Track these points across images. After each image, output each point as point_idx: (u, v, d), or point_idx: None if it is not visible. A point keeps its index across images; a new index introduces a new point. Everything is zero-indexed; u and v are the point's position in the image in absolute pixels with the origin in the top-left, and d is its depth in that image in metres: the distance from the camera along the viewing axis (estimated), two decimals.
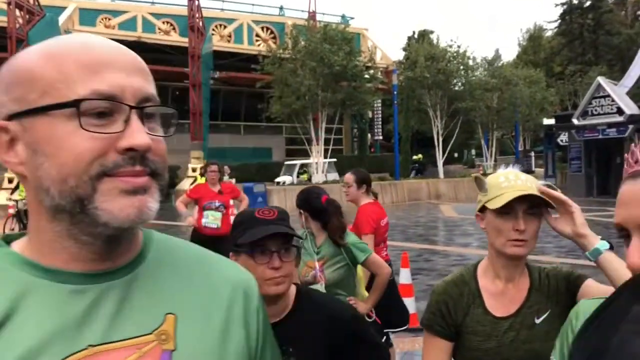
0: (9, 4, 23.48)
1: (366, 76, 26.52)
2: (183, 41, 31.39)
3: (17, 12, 23.65)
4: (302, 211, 3.19)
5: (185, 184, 27.81)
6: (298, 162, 29.15)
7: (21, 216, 14.17)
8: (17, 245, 0.75)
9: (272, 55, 25.46)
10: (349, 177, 4.33)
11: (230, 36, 37.04)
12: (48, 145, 0.68)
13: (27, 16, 24.22)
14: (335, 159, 29.08)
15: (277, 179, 27.67)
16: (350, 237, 3.25)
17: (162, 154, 0.73)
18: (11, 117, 0.70)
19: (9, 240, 0.77)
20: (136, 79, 0.72)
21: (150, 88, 0.74)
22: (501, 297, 1.66)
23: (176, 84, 32.88)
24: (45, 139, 0.68)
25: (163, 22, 34.66)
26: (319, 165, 26.09)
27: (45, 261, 0.71)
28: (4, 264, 0.71)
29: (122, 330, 0.71)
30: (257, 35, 38.12)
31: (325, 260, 3.13)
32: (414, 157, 35.65)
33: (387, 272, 3.34)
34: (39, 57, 0.71)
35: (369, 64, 26.85)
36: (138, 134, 0.69)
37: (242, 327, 0.81)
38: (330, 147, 26.80)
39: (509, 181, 1.63)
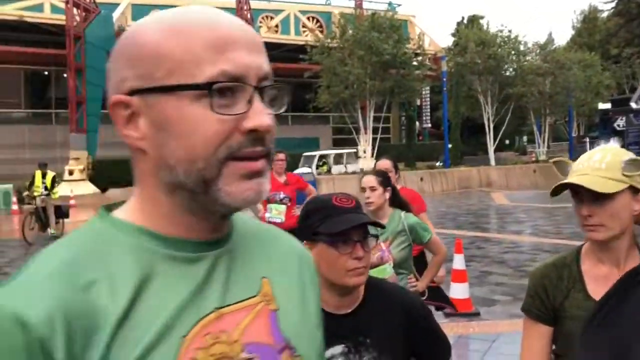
0: (66, 2, 24.38)
1: (414, 63, 26.28)
2: None
3: (75, 10, 24.52)
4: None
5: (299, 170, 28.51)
6: (317, 153, 28.17)
7: (39, 213, 13.26)
8: (124, 215, 0.74)
9: (320, 45, 25.54)
10: (373, 180, 3.28)
11: (277, 27, 37.29)
12: (176, 125, 0.68)
13: (84, 14, 25.07)
14: (355, 149, 28.27)
15: (296, 171, 27.55)
16: (413, 217, 3.31)
17: (274, 133, 0.73)
18: (133, 93, 0.70)
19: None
20: (257, 57, 0.72)
21: (267, 65, 0.73)
22: (604, 281, 1.55)
23: None
24: (172, 118, 0.68)
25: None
26: (367, 153, 26.06)
27: (164, 231, 0.72)
28: (127, 236, 0.71)
29: (235, 293, 0.74)
30: (304, 26, 38.22)
31: (391, 241, 3.18)
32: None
33: (445, 252, 3.42)
34: (165, 33, 0.69)
35: (418, 51, 26.59)
36: (262, 115, 0.70)
37: (313, 291, 0.87)
38: (379, 135, 26.74)
39: (578, 164, 1.57)
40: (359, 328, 1.54)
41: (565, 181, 1.55)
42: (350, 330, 1.54)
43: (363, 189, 3.28)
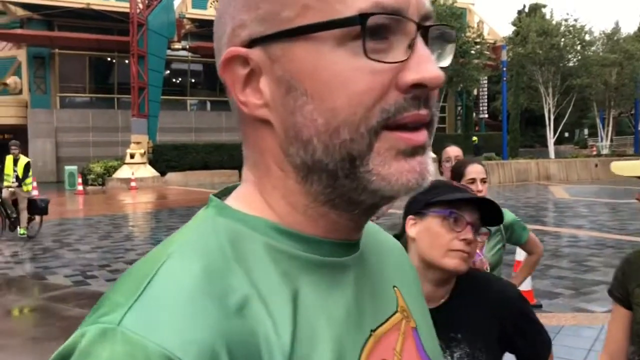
0: None
1: (473, 52, 25.78)
2: None
3: None
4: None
5: None
6: None
7: (5, 207, 10.96)
8: (245, 207, 0.56)
9: None
10: (483, 170, 3.06)
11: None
12: (312, 81, 0.50)
13: (147, 1, 25.74)
14: None
15: None
16: (509, 214, 2.92)
17: (438, 94, 0.55)
18: (253, 43, 0.52)
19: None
20: None
21: (429, 2, 0.55)
22: None
23: None
24: (307, 72, 0.50)
25: None
26: None
27: (303, 229, 0.55)
28: (262, 237, 0.54)
29: (380, 309, 0.60)
30: None
31: (484, 243, 2.78)
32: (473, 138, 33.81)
33: (542, 250, 3.13)
34: None
35: (477, 40, 26.07)
36: (429, 64, 0.51)
37: (419, 287, 0.75)
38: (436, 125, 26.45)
39: None
40: (450, 323, 1.43)
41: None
42: (440, 325, 1.42)
43: (458, 177, 2.82)
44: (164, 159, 26.51)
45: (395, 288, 0.65)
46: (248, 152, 0.58)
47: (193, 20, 31.03)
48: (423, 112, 0.52)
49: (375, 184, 0.52)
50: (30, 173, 11.15)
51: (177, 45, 29.89)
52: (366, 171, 0.51)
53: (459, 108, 40.52)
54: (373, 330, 0.57)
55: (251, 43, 0.52)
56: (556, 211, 15.09)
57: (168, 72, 30.07)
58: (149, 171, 24.99)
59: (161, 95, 27.69)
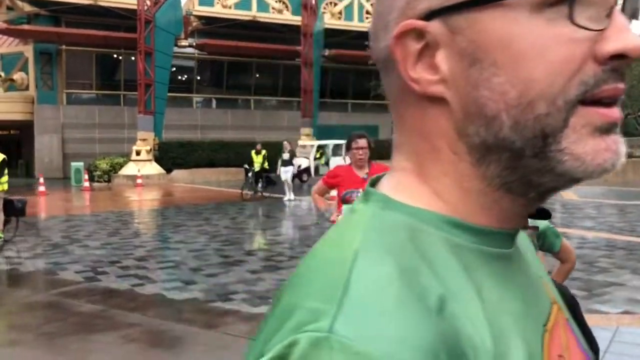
0: None
1: None
2: (295, 20, 31.97)
3: None
4: None
5: (296, 161, 28.66)
6: (315, 142, 26.52)
7: None
8: (410, 199, 0.52)
9: None
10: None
11: (340, 13, 37.17)
12: (503, 51, 0.46)
13: None
14: (345, 141, 26.63)
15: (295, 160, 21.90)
16: (543, 221, 2.74)
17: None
18: (431, 15, 0.49)
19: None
20: None
21: None
22: None
23: (287, 62, 33.63)
24: (497, 42, 0.47)
25: (276, 1, 35.43)
26: None
27: (474, 220, 0.51)
28: (437, 231, 0.50)
29: (543, 302, 0.57)
30: (367, 12, 37.95)
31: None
32: None
33: (575, 258, 3.01)
34: None
35: None
36: (629, 34, 0.47)
37: None
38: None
39: None
40: None
41: None
42: None
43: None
44: (170, 156, 26.55)
45: (541, 278, 0.61)
46: (403, 137, 0.54)
47: (200, 18, 31.03)
48: (621, 85, 0.48)
49: (566, 165, 0.48)
50: (6, 171, 10.41)
51: (184, 43, 29.91)
52: (558, 150, 0.47)
53: None
54: (544, 325, 0.54)
55: (429, 15, 0.48)
56: (565, 212, 15.04)
57: (174, 69, 30.07)
58: (154, 168, 25.02)
59: (167, 92, 27.72)
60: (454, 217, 0.51)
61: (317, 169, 24.51)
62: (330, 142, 26.22)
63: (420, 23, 0.48)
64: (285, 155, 18.24)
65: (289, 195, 17.29)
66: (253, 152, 17.96)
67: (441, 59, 0.49)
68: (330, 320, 0.40)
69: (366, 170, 4.69)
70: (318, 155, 25.38)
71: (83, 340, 5.00)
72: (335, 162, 24.17)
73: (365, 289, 0.42)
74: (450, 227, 0.50)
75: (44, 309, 6.15)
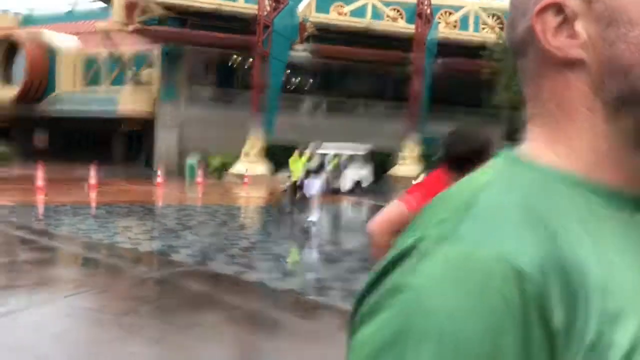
0: None
1: None
2: (409, 28, 31.94)
3: (266, 1, 26.34)
4: None
5: (398, 170, 28.61)
6: (331, 151, 21.90)
7: None
8: (543, 158, 0.55)
9: (504, 43, 24.67)
10: None
11: (456, 23, 36.66)
12: (638, 8, 0.52)
13: (274, 4, 26.82)
14: (368, 149, 23.74)
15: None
16: None
17: None
18: None
19: None
20: None
21: None
22: None
23: (398, 70, 33.64)
24: (632, 2, 0.52)
25: (391, 10, 35.58)
26: None
27: (604, 180, 0.53)
28: (568, 189, 0.52)
29: None
30: (484, 23, 37.11)
31: None
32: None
33: None
34: None
35: None
36: None
37: None
38: None
39: None
40: None
41: None
42: None
43: None
44: (275, 158, 27.45)
45: None
46: (537, 109, 0.57)
47: (315, 24, 31.87)
48: None
49: None
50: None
51: (299, 47, 30.83)
52: None
53: None
54: None
55: None
56: None
57: (288, 73, 31.08)
58: (262, 168, 26.01)
59: (280, 95, 28.71)
60: (585, 178, 0.53)
61: (327, 184, 17.50)
62: (345, 151, 22.59)
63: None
64: (312, 164, 14.14)
65: (314, 216, 12.63)
66: (292, 158, 14.46)
67: (579, 27, 0.54)
68: (453, 224, 0.47)
69: None
70: (332, 167, 20.68)
71: (191, 316, 5.44)
72: (349, 175, 21.62)
73: (489, 208, 0.48)
74: (581, 188, 0.52)
75: (159, 285, 6.73)
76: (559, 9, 0.54)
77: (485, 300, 0.42)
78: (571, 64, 0.54)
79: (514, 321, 0.42)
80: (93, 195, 16.79)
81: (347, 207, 17.79)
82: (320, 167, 13.63)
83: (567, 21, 0.54)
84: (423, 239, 0.47)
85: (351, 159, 22.73)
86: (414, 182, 18.00)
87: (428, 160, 18.89)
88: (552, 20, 0.54)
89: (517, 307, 0.42)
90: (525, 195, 0.49)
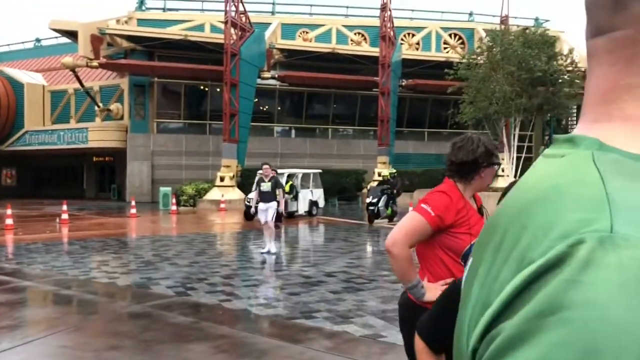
0: (225, 23, 26.45)
1: (564, 80, 25.13)
2: (373, 51, 32.50)
3: (232, 30, 26.52)
4: None
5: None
6: (285, 171, 21.48)
7: None
8: (622, 142, 0.51)
9: (467, 60, 25.26)
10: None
11: (418, 44, 37.41)
12: None
13: (240, 33, 27.02)
14: (320, 170, 24.35)
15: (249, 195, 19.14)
16: None
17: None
18: None
19: None
20: None
21: None
22: None
23: (364, 92, 34.10)
24: None
25: (355, 34, 36.18)
26: (507, 172, 25.26)
27: None
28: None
29: None
30: (445, 42, 37.97)
31: None
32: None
33: None
34: None
35: (569, 68, 25.40)
36: None
37: None
38: (523, 154, 25.82)
39: None
40: None
41: None
42: None
43: None
44: (251, 182, 27.41)
45: None
46: (636, 78, 0.52)
47: (282, 50, 32.18)
48: None
49: None
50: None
51: (267, 74, 31.05)
52: None
53: (546, 137, 39.30)
54: None
55: None
56: None
57: (257, 99, 31.24)
58: (237, 194, 25.93)
59: (250, 121, 28.80)
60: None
61: (285, 205, 16.14)
62: (299, 171, 22.44)
63: None
64: (265, 186, 11.78)
65: (269, 245, 11.69)
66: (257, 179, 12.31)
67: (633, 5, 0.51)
68: (608, 222, 0.42)
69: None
70: (288, 189, 19.74)
71: (178, 349, 5.37)
72: (305, 196, 21.57)
73: (631, 200, 0.44)
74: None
75: (141, 318, 6.62)
76: None
77: None
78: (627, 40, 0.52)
79: None
80: (65, 230, 16.48)
81: (313, 228, 17.78)
82: (275, 188, 11.75)
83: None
84: (580, 242, 0.42)
85: (306, 179, 22.68)
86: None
87: (398, 177, 19.03)
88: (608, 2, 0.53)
89: None
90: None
